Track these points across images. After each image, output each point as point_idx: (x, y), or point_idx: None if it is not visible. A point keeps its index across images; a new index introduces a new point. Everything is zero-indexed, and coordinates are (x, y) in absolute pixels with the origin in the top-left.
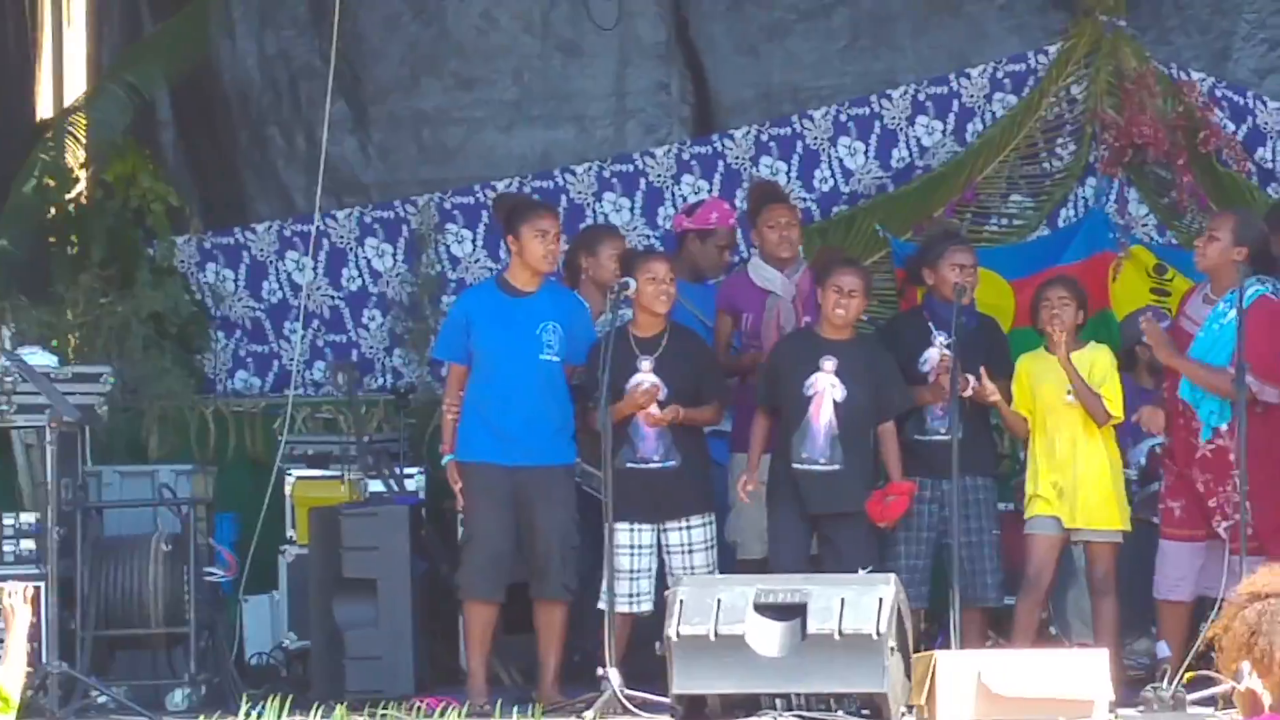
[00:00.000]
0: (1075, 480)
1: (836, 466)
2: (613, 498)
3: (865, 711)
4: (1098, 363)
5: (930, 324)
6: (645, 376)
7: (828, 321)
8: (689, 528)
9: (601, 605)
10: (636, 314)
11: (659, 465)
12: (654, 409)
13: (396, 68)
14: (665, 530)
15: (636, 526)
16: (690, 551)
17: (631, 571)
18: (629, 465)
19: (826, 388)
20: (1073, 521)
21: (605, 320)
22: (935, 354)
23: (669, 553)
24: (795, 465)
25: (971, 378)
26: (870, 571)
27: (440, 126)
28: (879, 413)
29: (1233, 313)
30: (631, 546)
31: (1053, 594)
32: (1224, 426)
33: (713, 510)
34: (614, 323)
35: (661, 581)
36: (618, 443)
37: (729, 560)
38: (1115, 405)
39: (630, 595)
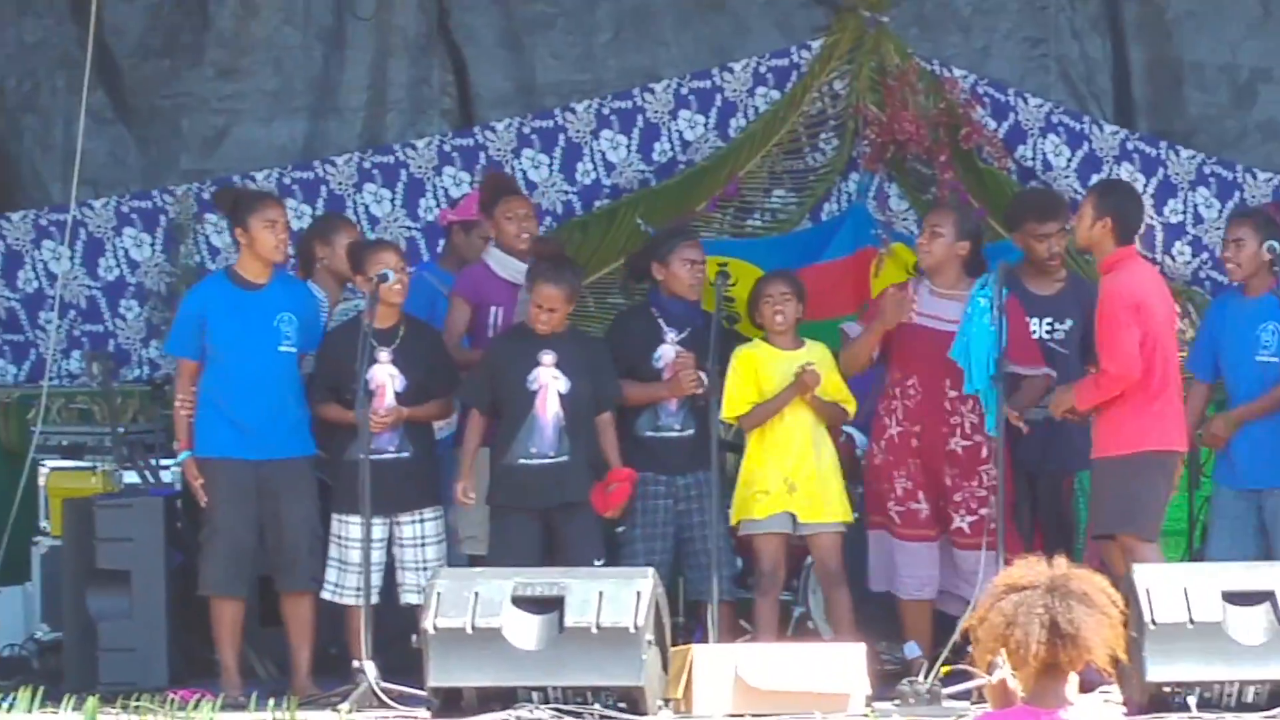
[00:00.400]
0: (806, 474)
1: (565, 458)
2: (344, 490)
3: (622, 705)
4: (821, 362)
5: (660, 320)
6: (384, 368)
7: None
8: (422, 520)
9: (325, 596)
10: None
11: (392, 456)
12: (390, 401)
13: (157, 58)
14: (398, 524)
15: (370, 519)
16: (423, 545)
17: (361, 565)
18: (362, 456)
19: (550, 380)
20: (806, 515)
21: (345, 309)
22: (670, 350)
23: (401, 546)
24: (523, 460)
25: (703, 375)
26: (601, 564)
27: (201, 117)
28: (598, 403)
29: (984, 305)
30: (363, 540)
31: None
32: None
33: (442, 503)
34: (373, 315)
35: (389, 575)
36: (350, 435)
37: (456, 554)
38: (849, 403)
39: (358, 589)
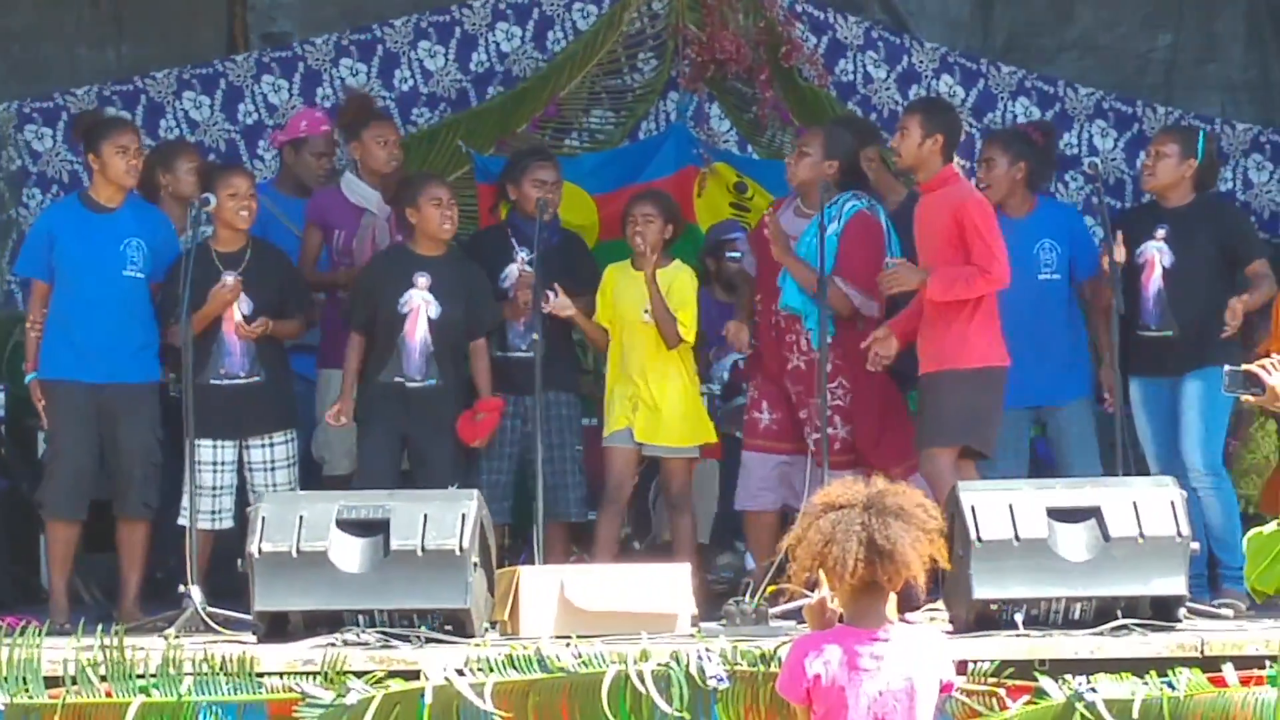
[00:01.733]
0: (651, 396)
1: (431, 382)
2: (196, 414)
3: (448, 627)
4: (677, 283)
5: (513, 240)
6: (226, 276)
7: (425, 236)
8: (271, 444)
9: (181, 522)
10: (218, 230)
11: (243, 381)
12: (240, 320)
13: None
14: (248, 447)
15: (219, 443)
16: (273, 469)
17: (214, 489)
18: (212, 382)
19: (421, 304)
20: (646, 437)
21: (188, 237)
22: (515, 270)
23: (251, 470)
24: (393, 379)
25: (551, 293)
26: (458, 488)
27: (29, 43)
28: (471, 330)
29: (832, 226)
30: (215, 463)
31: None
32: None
33: (295, 426)
34: (195, 239)
35: (243, 497)
36: (201, 359)
37: (314, 477)
38: (688, 329)
39: (213, 512)
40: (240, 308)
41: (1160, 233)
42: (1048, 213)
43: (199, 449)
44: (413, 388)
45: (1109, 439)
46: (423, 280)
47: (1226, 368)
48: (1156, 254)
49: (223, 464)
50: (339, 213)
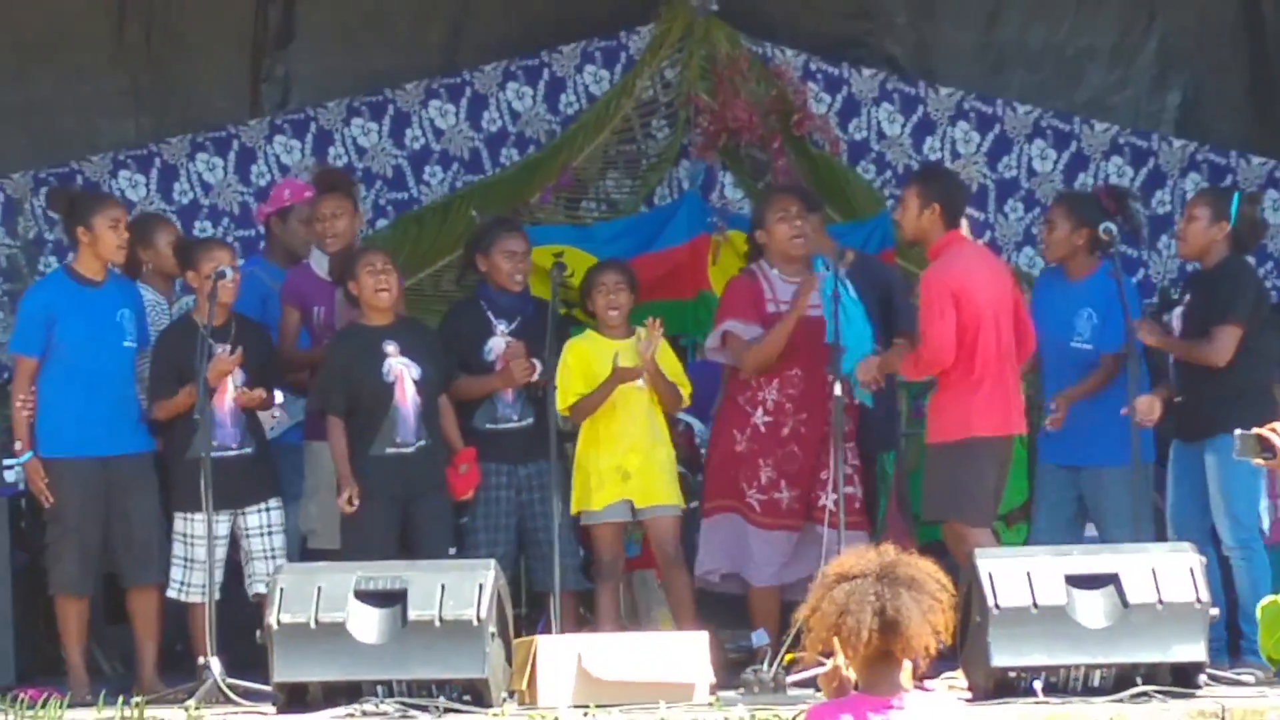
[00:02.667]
0: (641, 461)
1: (424, 443)
2: (188, 487)
3: (467, 697)
4: (660, 347)
5: (488, 313)
6: (221, 348)
7: (372, 308)
8: (267, 509)
9: (170, 594)
10: (200, 304)
11: (235, 452)
12: (238, 388)
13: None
14: (244, 514)
15: (214, 516)
16: (270, 533)
17: (207, 561)
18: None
19: (403, 369)
20: (645, 501)
21: (179, 307)
22: (500, 342)
23: (248, 536)
24: (390, 450)
25: (537, 363)
26: (454, 553)
27: (49, 115)
28: (438, 387)
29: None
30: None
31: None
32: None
33: (282, 494)
34: (213, 311)
35: (230, 569)
36: (193, 431)
37: (299, 549)
38: (684, 383)
39: (204, 585)
40: (234, 380)
41: (1188, 298)
42: (1100, 281)
43: (194, 522)
44: (409, 452)
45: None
46: (392, 348)
47: (1237, 432)
48: (1177, 321)
49: (216, 537)
50: (314, 289)
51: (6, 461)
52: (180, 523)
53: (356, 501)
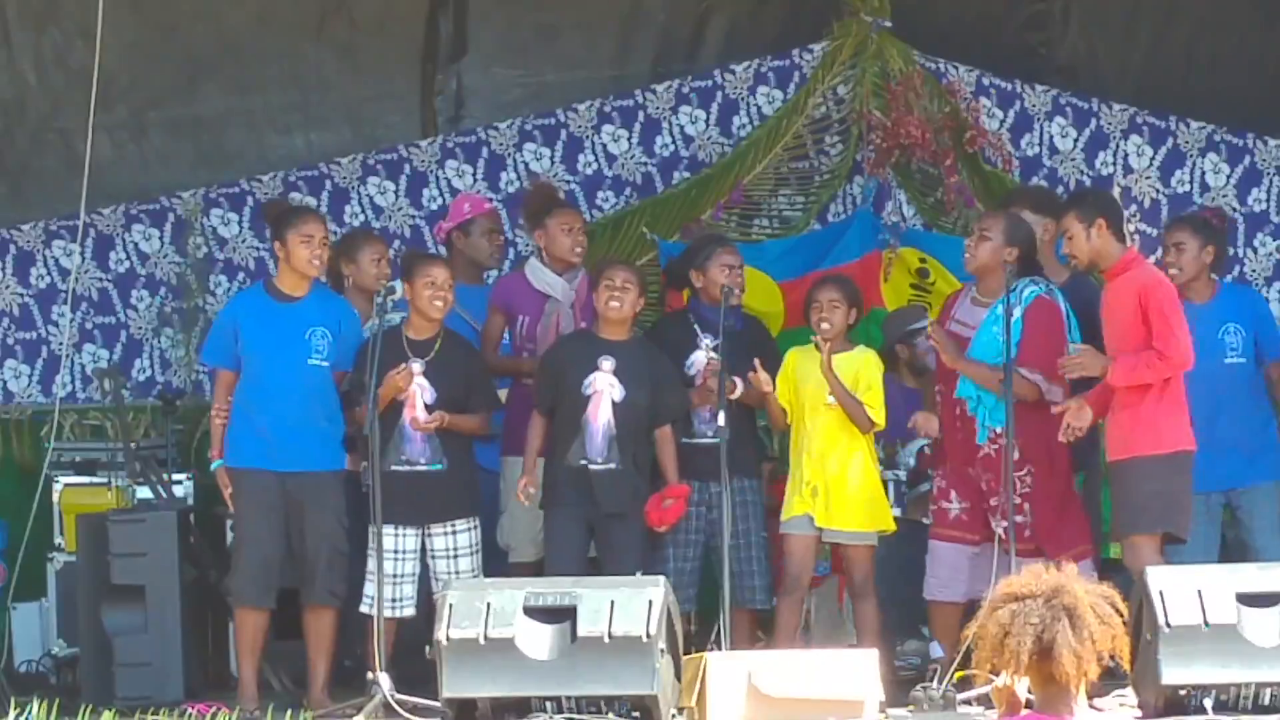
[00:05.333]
0: (829, 481)
1: (612, 465)
2: (381, 501)
3: (636, 714)
4: (866, 368)
5: (696, 326)
6: (416, 381)
7: (604, 320)
8: (454, 532)
9: (363, 609)
10: (412, 317)
11: (425, 468)
12: (420, 413)
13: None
14: (430, 534)
15: (401, 530)
16: (455, 556)
17: (395, 576)
18: (394, 468)
19: (605, 388)
20: (827, 522)
21: (372, 325)
22: (702, 357)
23: (434, 557)
24: (573, 464)
25: (739, 380)
26: (640, 574)
27: (219, 130)
28: (656, 416)
29: (1014, 313)
30: (396, 551)
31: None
32: (999, 427)
33: (478, 514)
34: (381, 325)
35: (425, 586)
36: (383, 446)
37: (501, 565)
38: (878, 412)
39: (394, 600)
40: (423, 396)
41: None
42: (1231, 296)
43: (383, 537)
44: (595, 470)
45: None
46: (607, 364)
47: None
48: None
49: (404, 552)
50: (523, 299)
51: (175, 476)
52: (374, 537)
53: (533, 490)
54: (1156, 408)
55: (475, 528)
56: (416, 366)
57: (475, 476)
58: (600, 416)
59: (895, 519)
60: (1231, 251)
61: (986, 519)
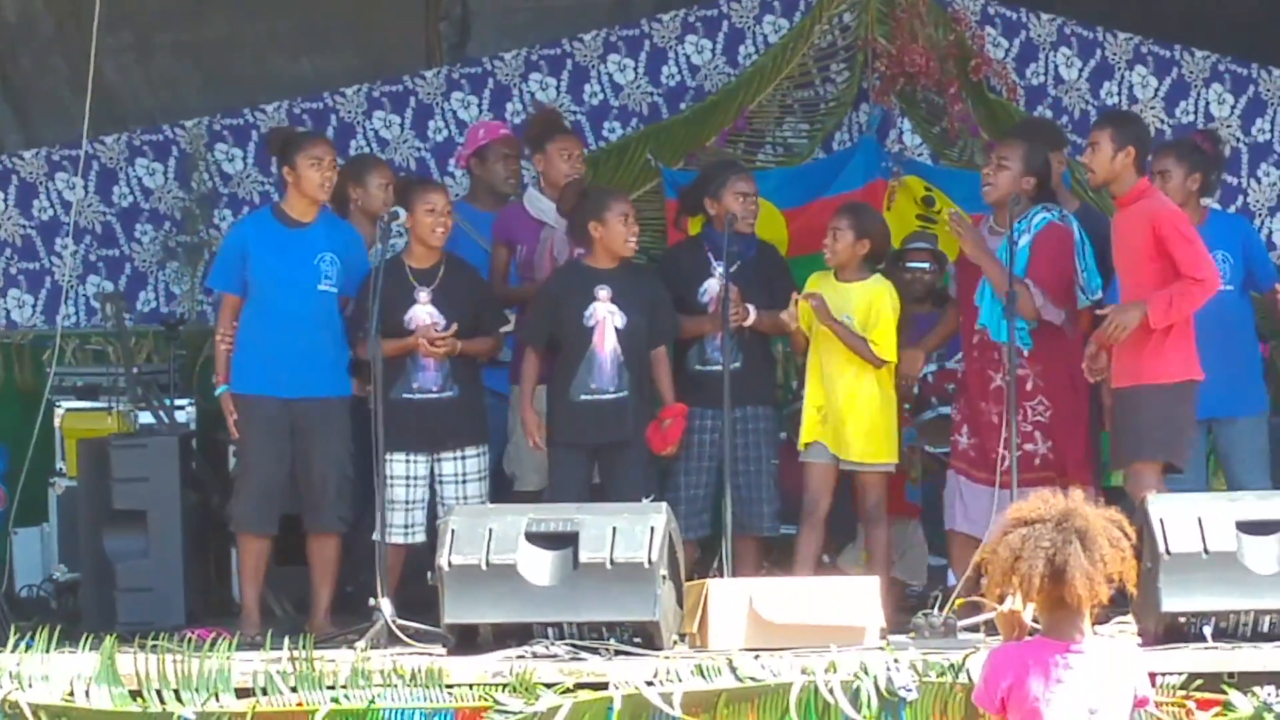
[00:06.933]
0: (842, 409)
1: (624, 393)
2: (388, 428)
3: (637, 640)
4: (877, 300)
5: (709, 254)
6: (423, 309)
7: (606, 251)
8: (464, 458)
9: (375, 537)
10: (412, 245)
11: (436, 395)
12: (435, 338)
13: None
14: (440, 460)
15: (412, 457)
16: (464, 482)
17: (407, 503)
18: (405, 396)
19: (607, 316)
20: (841, 451)
21: (377, 251)
22: (715, 284)
23: (442, 483)
24: (584, 397)
25: (751, 308)
26: (652, 500)
27: (223, 54)
28: (652, 338)
29: (1023, 239)
30: (407, 478)
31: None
32: (1027, 350)
33: (487, 441)
34: (384, 253)
35: (434, 511)
36: (395, 373)
37: (505, 492)
38: (885, 349)
39: (405, 526)
40: (434, 325)
41: None
42: (1220, 223)
43: (392, 463)
44: (606, 400)
45: None
46: (604, 293)
47: None
48: None
49: (415, 479)
50: (522, 228)
51: (178, 402)
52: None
53: (540, 439)
54: (1165, 336)
55: (484, 454)
56: (423, 296)
57: (484, 403)
58: (607, 345)
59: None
60: (1235, 182)
61: (996, 456)
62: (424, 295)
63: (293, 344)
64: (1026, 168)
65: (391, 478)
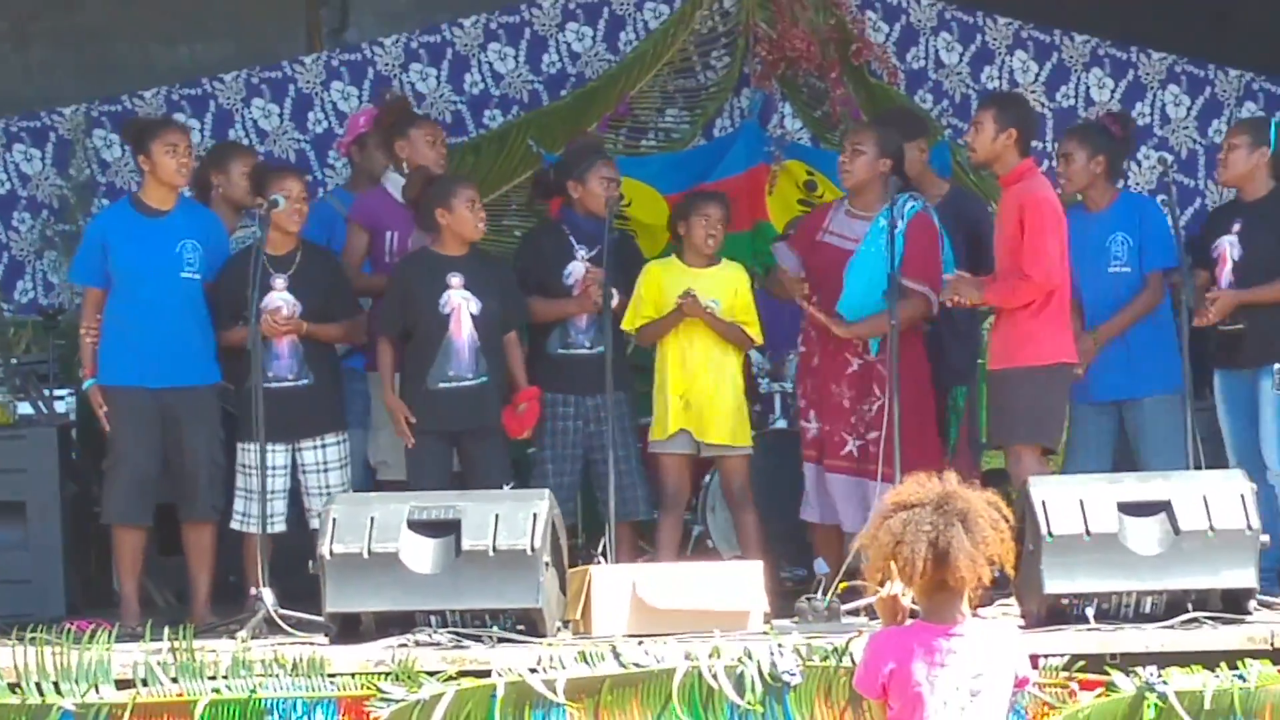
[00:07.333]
0: (709, 394)
1: (484, 379)
2: (245, 418)
3: (521, 627)
4: (741, 284)
5: (571, 238)
6: (279, 295)
7: (455, 237)
8: (324, 446)
9: (234, 526)
10: (269, 232)
11: (291, 384)
12: (272, 318)
13: None
14: (300, 449)
15: (271, 447)
16: (325, 470)
17: (268, 492)
18: (261, 385)
19: (461, 302)
20: (704, 436)
21: (242, 237)
22: (580, 267)
23: (304, 472)
24: (442, 384)
25: (615, 291)
26: (513, 487)
27: (102, 41)
28: (504, 323)
29: (900, 224)
30: (269, 466)
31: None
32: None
33: (346, 428)
34: (263, 241)
35: (295, 500)
36: (248, 363)
37: (368, 482)
38: (755, 328)
39: (266, 516)
40: (288, 310)
41: (1235, 226)
42: (1126, 205)
43: (251, 453)
44: (465, 387)
45: (1198, 434)
46: (456, 280)
47: (1276, 366)
48: (1228, 248)
49: (275, 468)
50: (389, 213)
51: (57, 392)
52: (241, 454)
53: (409, 431)
54: (1035, 320)
55: (344, 441)
56: (279, 282)
57: (342, 391)
58: (464, 331)
59: (782, 431)
60: (1192, 184)
61: (842, 442)
62: (280, 282)
63: (159, 333)
64: (881, 151)
65: (251, 467)
